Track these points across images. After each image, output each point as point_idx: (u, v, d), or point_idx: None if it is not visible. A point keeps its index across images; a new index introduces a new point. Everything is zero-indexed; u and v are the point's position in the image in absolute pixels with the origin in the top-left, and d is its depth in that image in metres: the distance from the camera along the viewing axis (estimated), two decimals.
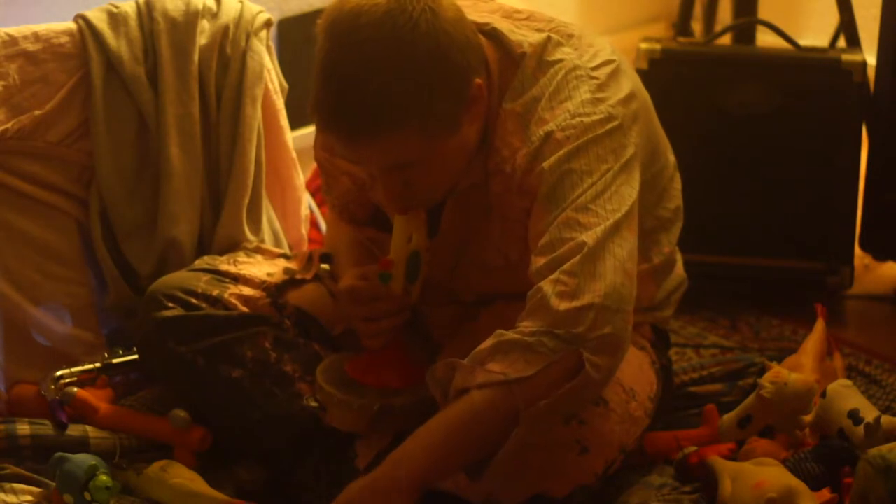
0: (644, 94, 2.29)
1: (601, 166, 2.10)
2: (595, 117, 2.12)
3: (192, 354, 2.32)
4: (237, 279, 2.42)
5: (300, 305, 2.43)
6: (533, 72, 2.17)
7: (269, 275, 2.45)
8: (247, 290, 2.40)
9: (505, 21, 2.22)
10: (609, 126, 2.12)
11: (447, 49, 2.04)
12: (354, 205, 2.39)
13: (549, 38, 2.19)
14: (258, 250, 2.58)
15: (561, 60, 2.17)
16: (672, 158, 2.40)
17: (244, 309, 2.37)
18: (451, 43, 2.05)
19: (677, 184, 2.42)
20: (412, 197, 2.14)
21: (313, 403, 2.25)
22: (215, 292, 2.37)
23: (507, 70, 2.18)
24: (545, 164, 2.10)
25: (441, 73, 2.04)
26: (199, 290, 2.36)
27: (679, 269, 2.47)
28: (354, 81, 2.02)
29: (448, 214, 2.26)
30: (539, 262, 2.06)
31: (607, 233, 2.05)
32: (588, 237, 2.04)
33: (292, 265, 2.50)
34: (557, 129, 2.11)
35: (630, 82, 2.21)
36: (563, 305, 2.01)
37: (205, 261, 2.47)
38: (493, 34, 2.18)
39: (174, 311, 2.33)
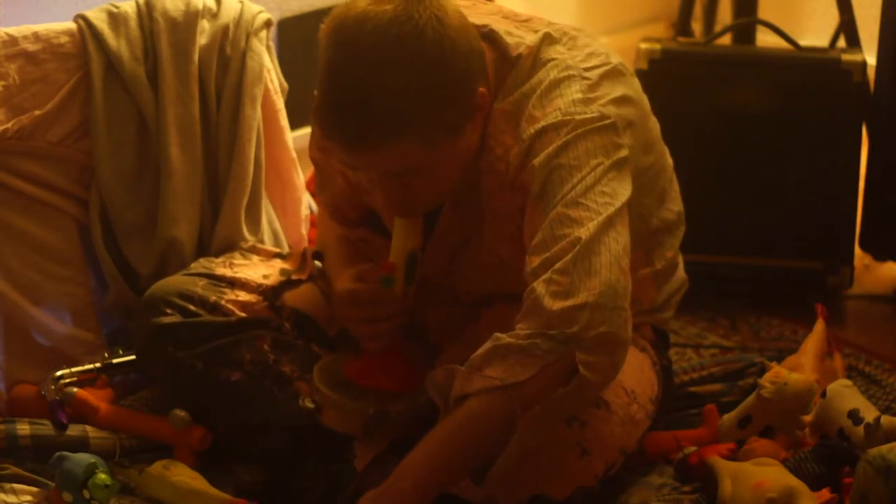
0: (642, 101, 2.27)
1: (591, 161, 2.08)
2: (586, 115, 2.11)
3: (190, 359, 2.32)
4: (233, 283, 2.41)
5: (296, 306, 2.43)
6: (528, 71, 2.16)
7: (265, 277, 2.45)
8: (243, 295, 2.40)
9: (504, 22, 2.22)
10: (600, 124, 2.11)
11: (452, 57, 2.03)
12: (347, 205, 2.38)
13: (544, 36, 2.18)
14: (254, 250, 2.57)
15: (553, 59, 2.16)
16: (670, 162, 2.40)
17: (242, 315, 2.37)
18: (455, 51, 2.03)
19: (676, 186, 2.42)
20: (412, 202, 2.13)
21: (310, 404, 2.25)
22: (212, 298, 2.37)
23: (502, 71, 2.16)
24: (535, 162, 2.09)
25: (445, 82, 2.02)
26: (197, 296, 2.36)
27: (680, 271, 2.47)
28: (357, 89, 2.00)
29: (445, 215, 2.25)
30: (534, 261, 2.05)
31: (601, 227, 2.03)
32: (582, 232, 2.02)
33: (288, 265, 2.50)
34: (548, 126, 2.10)
35: (624, 86, 2.20)
36: (557, 305, 1.99)
37: (201, 264, 2.47)
38: (490, 36, 2.18)
39: (172, 318, 2.33)
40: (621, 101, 2.16)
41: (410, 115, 2.01)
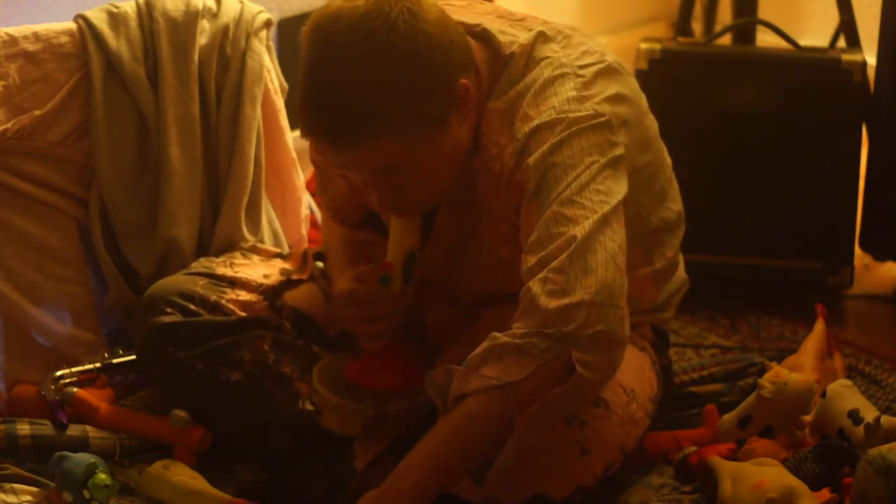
0: (638, 99, 2.26)
1: (585, 159, 2.08)
2: (581, 113, 2.10)
3: (191, 359, 2.32)
4: (234, 283, 2.41)
5: (297, 306, 2.43)
6: (521, 70, 2.15)
7: (265, 276, 2.45)
8: (244, 295, 2.40)
9: (498, 21, 2.21)
10: (594, 122, 2.10)
11: (426, 50, 2.02)
12: (348, 207, 2.38)
13: (538, 34, 2.18)
14: (254, 250, 2.57)
15: (546, 57, 2.16)
16: (669, 161, 2.39)
17: (242, 314, 2.37)
18: (430, 43, 2.03)
19: (676, 186, 2.41)
20: (406, 200, 2.13)
21: (309, 407, 2.25)
22: (213, 297, 2.37)
23: (495, 70, 2.16)
24: (530, 160, 2.08)
25: (419, 75, 2.02)
26: (197, 296, 2.36)
27: (681, 271, 2.46)
28: (332, 88, 2.01)
29: (442, 214, 2.25)
30: (530, 260, 2.04)
31: (597, 225, 2.03)
32: (578, 230, 2.02)
33: (288, 265, 2.50)
34: (543, 124, 2.10)
35: (619, 84, 2.19)
36: (553, 303, 1.99)
37: (202, 263, 2.47)
38: (482, 35, 2.17)
39: (172, 317, 2.33)
40: (616, 98, 2.16)
41: (383, 111, 2.00)
